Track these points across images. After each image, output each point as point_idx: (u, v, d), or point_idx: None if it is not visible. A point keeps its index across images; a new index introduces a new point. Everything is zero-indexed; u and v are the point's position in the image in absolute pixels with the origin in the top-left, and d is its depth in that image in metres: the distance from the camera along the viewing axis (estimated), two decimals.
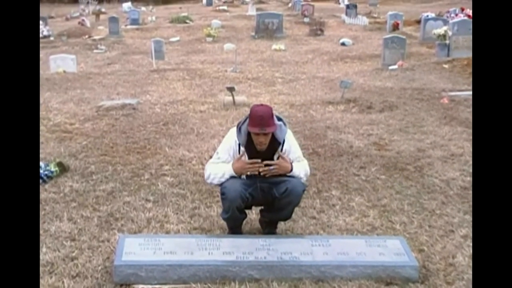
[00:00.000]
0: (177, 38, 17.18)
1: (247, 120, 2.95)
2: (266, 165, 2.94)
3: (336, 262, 2.80)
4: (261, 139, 2.90)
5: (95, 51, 14.77)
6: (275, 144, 2.98)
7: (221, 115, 7.06)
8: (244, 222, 3.36)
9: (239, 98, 7.87)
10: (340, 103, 7.68)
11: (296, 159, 3.07)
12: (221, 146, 3.07)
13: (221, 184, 3.02)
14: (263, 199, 3.08)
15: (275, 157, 3.01)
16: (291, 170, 2.99)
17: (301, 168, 3.06)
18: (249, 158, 2.97)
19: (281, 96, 8.54)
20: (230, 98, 7.76)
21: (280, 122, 3.02)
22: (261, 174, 2.95)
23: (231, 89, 7.72)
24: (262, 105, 2.96)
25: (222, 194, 2.97)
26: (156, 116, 7.01)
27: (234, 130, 3.06)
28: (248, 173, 2.99)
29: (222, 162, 3.01)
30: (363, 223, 3.60)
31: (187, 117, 6.94)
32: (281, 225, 3.45)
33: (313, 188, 4.23)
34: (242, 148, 2.98)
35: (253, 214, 3.63)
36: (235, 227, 3.23)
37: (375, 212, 3.77)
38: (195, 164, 4.87)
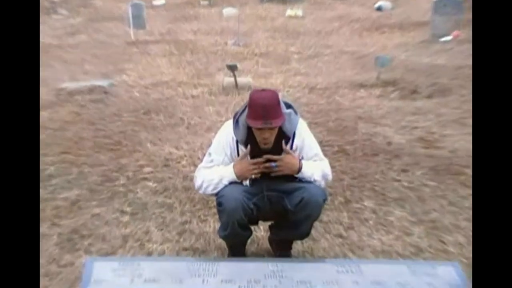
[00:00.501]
0: (162, 1, 17.20)
1: (246, 110, 2.95)
2: (268, 160, 2.94)
3: None
4: (266, 135, 2.88)
5: (54, 16, 14.80)
6: (283, 137, 2.96)
7: (219, 102, 7.06)
8: (249, 241, 3.35)
9: (243, 80, 7.87)
10: (376, 86, 7.66)
11: (312, 158, 3.03)
12: (214, 144, 3.05)
13: (217, 193, 3.01)
14: (272, 212, 3.06)
15: (284, 154, 2.99)
16: (300, 169, 2.96)
17: (315, 168, 2.98)
18: (253, 156, 2.96)
19: (297, 77, 8.53)
20: (232, 79, 7.76)
21: (290, 110, 2.98)
22: (267, 172, 2.95)
23: (232, 68, 7.72)
24: (264, 90, 2.91)
25: (219, 204, 2.95)
26: (134, 102, 7.03)
27: (229, 123, 3.03)
28: (253, 176, 2.98)
29: (217, 165, 3.00)
30: (405, 243, 3.59)
31: (175, 104, 6.95)
32: (297, 245, 3.45)
33: (339, 197, 4.23)
34: (241, 147, 2.98)
35: (261, 231, 3.63)
36: (237, 247, 3.23)
37: (421, 229, 3.76)
38: (185, 165, 4.88)
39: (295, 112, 2.99)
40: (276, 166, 2.93)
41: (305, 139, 3.02)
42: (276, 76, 8.55)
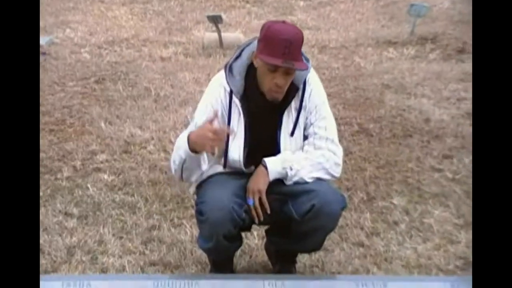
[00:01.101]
0: None
1: (242, 55, 2.94)
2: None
3: None
4: (280, 80, 2.84)
5: None
6: (290, 88, 2.93)
7: (198, 66, 7.04)
8: (239, 252, 3.35)
9: (230, 36, 7.85)
10: (409, 44, 7.65)
11: (315, 134, 3.02)
12: (200, 103, 3.03)
13: (197, 196, 3.00)
14: (271, 220, 3.06)
15: (287, 114, 2.95)
16: (266, 167, 2.94)
17: (297, 160, 2.94)
18: (248, 117, 2.93)
19: (305, 31, 8.42)
20: (215, 35, 7.73)
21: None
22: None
23: (215, 20, 7.69)
24: (285, 22, 2.91)
25: (199, 213, 2.91)
26: (83, 67, 7.00)
27: (219, 75, 3.02)
28: (213, 149, 2.91)
29: None
30: (449, 254, 3.60)
31: (138, 69, 6.92)
32: (303, 257, 3.46)
33: (360, 193, 4.24)
34: (235, 101, 2.93)
35: (255, 238, 3.62)
36: (222, 261, 3.24)
37: (471, 235, 3.76)
38: (152, 151, 4.88)
39: (306, 59, 2.98)
40: (253, 203, 2.91)
41: (319, 103, 2.98)
42: None
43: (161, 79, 6.58)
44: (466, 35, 7.69)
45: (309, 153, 2.97)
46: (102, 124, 5.35)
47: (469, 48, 7.27)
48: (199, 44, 7.88)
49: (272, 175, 2.91)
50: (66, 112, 5.64)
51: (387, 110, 5.65)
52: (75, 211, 3.99)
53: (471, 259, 3.49)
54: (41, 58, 7.10)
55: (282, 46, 2.73)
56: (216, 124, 2.77)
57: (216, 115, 2.83)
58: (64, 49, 7.62)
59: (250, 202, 2.90)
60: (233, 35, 7.89)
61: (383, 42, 7.79)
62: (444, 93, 6.05)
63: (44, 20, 8.86)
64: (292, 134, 2.96)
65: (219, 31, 7.66)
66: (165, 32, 8.54)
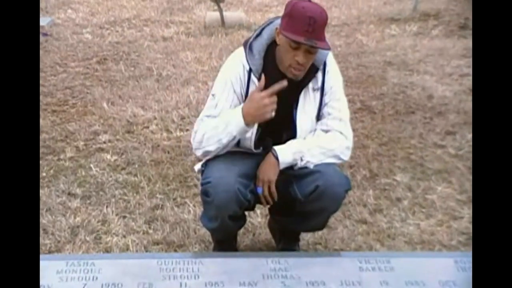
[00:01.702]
0: None
1: (263, 34, 2.92)
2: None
3: None
4: (301, 58, 2.82)
5: None
6: (309, 70, 2.91)
7: (200, 45, 7.02)
8: (242, 230, 3.36)
9: (232, 15, 7.81)
10: (411, 20, 7.62)
11: (330, 117, 3.00)
12: (218, 81, 2.95)
13: (202, 177, 2.99)
14: (275, 200, 3.05)
15: (303, 94, 2.94)
16: (276, 157, 2.92)
17: (308, 147, 2.93)
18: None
19: None
20: (217, 14, 7.69)
21: None
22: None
23: None
24: (310, 1, 2.88)
25: (205, 194, 2.91)
26: (85, 47, 6.98)
27: (238, 52, 2.99)
28: (271, 114, 2.90)
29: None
30: (452, 230, 3.61)
31: (140, 49, 6.90)
32: (307, 235, 3.46)
33: (363, 170, 4.23)
34: (253, 80, 2.90)
35: (258, 217, 3.63)
36: (225, 240, 3.25)
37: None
38: (155, 131, 4.87)
39: None
40: (262, 191, 2.91)
41: (334, 85, 2.98)
42: (277, 9, 8.51)
43: (163, 59, 6.56)
44: (468, 11, 7.67)
45: (321, 137, 2.96)
46: (105, 105, 5.34)
47: (471, 24, 7.24)
48: (200, 24, 7.85)
49: (283, 165, 2.90)
50: (68, 92, 5.63)
51: (390, 87, 5.63)
52: (78, 191, 3.99)
53: (472, 235, 3.52)
54: (43, 39, 7.09)
55: (305, 24, 2.71)
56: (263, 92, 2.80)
57: (261, 84, 2.83)
58: (65, 30, 7.60)
59: (259, 190, 2.91)
60: (235, 14, 7.85)
61: (386, 19, 7.76)
62: (447, 69, 6.03)
63: (45, 1, 8.85)
64: (309, 114, 2.96)
65: (221, 10, 7.62)
66: (167, 12, 8.51)
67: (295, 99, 2.93)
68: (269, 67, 2.89)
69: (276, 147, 2.91)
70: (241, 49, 2.96)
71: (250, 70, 2.89)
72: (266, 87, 2.86)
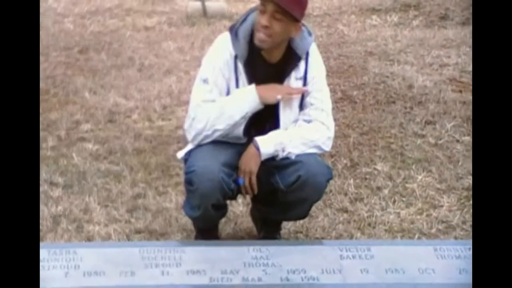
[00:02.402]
0: None
1: (248, 19, 2.91)
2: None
3: (384, 286, 2.80)
4: (264, 20, 2.82)
5: None
6: (292, 58, 2.95)
7: (182, 35, 7.00)
8: (224, 219, 3.35)
9: (213, 4, 7.79)
10: (392, 11, 7.63)
11: (312, 107, 3.01)
12: (207, 65, 2.96)
13: (186, 164, 2.98)
14: (257, 190, 3.05)
15: (287, 83, 2.96)
16: (258, 148, 2.92)
17: (290, 138, 2.94)
18: (255, 81, 2.92)
19: None
20: (198, 4, 7.67)
21: (303, 27, 2.98)
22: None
23: None
24: None
25: (189, 183, 2.91)
26: (67, 36, 6.94)
27: (224, 36, 2.98)
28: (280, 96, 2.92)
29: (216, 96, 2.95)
30: (431, 218, 3.61)
31: (122, 39, 6.87)
32: (288, 224, 3.46)
33: (344, 159, 4.23)
34: (240, 66, 2.89)
35: (239, 205, 3.62)
36: (207, 228, 3.24)
37: (453, 199, 3.79)
38: (137, 120, 4.86)
39: (309, 33, 2.99)
40: (243, 182, 2.92)
41: (317, 76, 3.01)
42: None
43: (145, 49, 6.54)
44: (448, 1, 7.68)
45: (302, 128, 2.98)
46: (86, 94, 5.31)
47: (452, 14, 7.26)
48: (182, 13, 7.81)
49: (264, 156, 2.91)
50: (50, 82, 5.60)
51: (371, 77, 5.63)
52: (60, 180, 3.97)
53: (453, 223, 3.54)
54: None
55: None
56: None
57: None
58: (47, 19, 7.53)
59: (240, 181, 2.92)
60: (216, 4, 7.82)
61: (367, 10, 7.76)
62: (427, 59, 6.03)
63: None
64: (292, 104, 2.98)
65: (202, 0, 7.59)
66: (149, 2, 8.46)
67: (281, 81, 2.96)
68: (253, 53, 2.90)
69: (257, 138, 2.92)
70: (227, 34, 2.96)
71: (236, 56, 2.90)
72: (250, 72, 2.90)
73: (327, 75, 5.50)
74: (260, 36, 2.82)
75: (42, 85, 5.49)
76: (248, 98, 2.88)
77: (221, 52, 2.94)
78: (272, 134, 2.94)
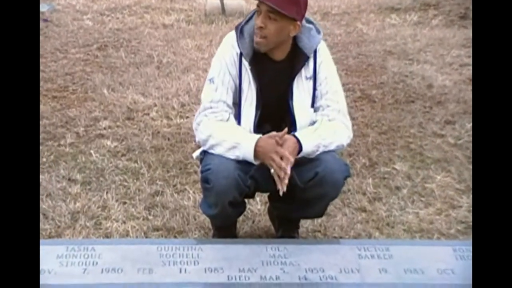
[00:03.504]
0: None
1: (254, 17, 2.92)
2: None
3: (402, 286, 2.79)
4: (259, 21, 2.83)
5: None
6: (299, 57, 2.95)
7: (200, 33, 7.00)
8: (241, 217, 3.35)
9: (232, 2, 7.78)
10: (412, 10, 7.60)
11: (326, 106, 3.00)
12: (215, 65, 3.00)
13: (201, 158, 2.98)
14: (275, 186, 3.04)
15: (297, 83, 2.95)
16: (300, 149, 2.88)
17: (319, 139, 2.91)
18: (258, 82, 2.92)
19: None
20: (217, 1, 7.67)
21: (311, 25, 2.99)
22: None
23: None
24: None
25: (205, 181, 2.91)
26: (85, 34, 6.96)
27: (230, 35, 3.01)
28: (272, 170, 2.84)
29: (223, 102, 2.93)
30: (451, 218, 3.61)
31: (141, 36, 6.89)
32: (306, 222, 3.47)
33: (362, 159, 4.23)
34: (245, 64, 2.91)
35: (257, 204, 3.63)
36: (225, 226, 3.25)
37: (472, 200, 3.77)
38: (155, 118, 4.87)
39: (318, 31, 2.98)
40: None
41: (329, 75, 2.99)
42: None
43: (164, 46, 6.55)
44: (468, 0, 7.64)
45: (328, 129, 2.94)
46: (105, 91, 5.32)
47: (471, 13, 7.23)
48: (201, 11, 7.82)
49: (301, 155, 2.87)
50: (69, 79, 5.62)
51: (390, 76, 5.62)
52: (78, 177, 3.98)
53: (472, 224, 3.52)
54: (43, 24, 7.07)
55: None
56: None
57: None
58: (66, 16, 7.58)
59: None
60: (235, 2, 7.82)
61: (386, 8, 7.74)
62: (447, 59, 6.02)
63: None
64: (304, 104, 2.97)
65: None
66: None
67: (289, 87, 2.95)
68: (259, 51, 2.91)
69: (299, 136, 2.87)
70: (233, 32, 2.98)
71: (241, 54, 2.91)
72: (256, 70, 2.91)
73: (346, 74, 5.60)
74: (255, 38, 2.86)
75: (60, 81, 5.55)
76: (245, 149, 2.84)
77: (227, 51, 2.96)
78: (308, 134, 2.90)
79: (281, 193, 2.82)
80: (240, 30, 2.94)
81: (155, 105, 5.08)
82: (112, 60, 6.11)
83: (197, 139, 3.02)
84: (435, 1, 7.71)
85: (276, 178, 2.82)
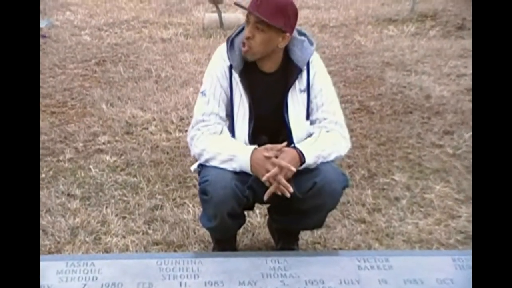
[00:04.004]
0: None
1: (244, 30, 2.94)
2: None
3: None
4: (247, 31, 2.85)
5: None
6: (292, 70, 2.95)
7: (199, 47, 7.02)
8: (241, 230, 3.36)
9: (230, 16, 7.81)
10: (409, 21, 7.63)
11: (323, 118, 3.01)
12: (206, 78, 3.01)
13: (199, 171, 2.99)
14: (274, 198, 3.04)
15: (291, 96, 2.96)
16: (303, 161, 2.88)
17: (319, 150, 2.91)
18: (250, 94, 2.94)
19: (305, 10, 8.49)
20: (215, 15, 7.70)
21: (303, 38, 2.99)
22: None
23: (216, 1, 7.65)
24: None
25: (203, 193, 2.91)
26: (84, 49, 6.98)
27: (221, 47, 3.03)
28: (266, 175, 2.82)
29: (215, 115, 2.94)
30: (450, 228, 3.61)
31: (139, 51, 6.91)
32: (306, 235, 3.47)
33: (361, 170, 4.23)
34: (235, 76, 2.93)
35: (257, 216, 3.64)
36: (225, 239, 3.25)
37: (471, 210, 3.77)
38: (154, 132, 4.88)
39: (311, 43, 2.98)
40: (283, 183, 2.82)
41: (324, 87, 2.99)
42: None
43: (162, 60, 6.57)
44: (465, 11, 7.68)
45: (327, 140, 2.94)
46: (104, 106, 5.34)
47: (469, 24, 7.25)
48: (199, 25, 7.85)
49: (302, 166, 2.87)
50: (67, 94, 5.63)
51: (388, 87, 5.63)
52: (77, 192, 3.99)
53: (472, 233, 3.52)
54: (42, 41, 7.09)
55: None
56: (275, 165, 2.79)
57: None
58: (64, 32, 7.60)
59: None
60: (233, 16, 7.85)
61: (383, 20, 7.77)
62: (444, 69, 6.04)
63: (44, 3, 8.84)
64: (299, 116, 2.97)
65: (219, 12, 7.62)
66: (165, 14, 8.51)
67: (283, 99, 2.95)
68: (250, 63, 2.92)
69: (300, 147, 2.88)
70: (224, 45, 2.99)
71: (231, 66, 2.92)
72: (246, 82, 2.92)
73: (344, 86, 5.62)
74: (242, 48, 2.88)
75: (59, 97, 5.56)
76: (241, 161, 2.85)
77: (218, 63, 2.98)
78: (308, 146, 2.89)
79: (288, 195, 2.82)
80: (230, 42, 2.95)
81: (154, 119, 5.09)
82: (111, 75, 6.12)
83: (192, 154, 3.03)
84: (432, 12, 7.75)
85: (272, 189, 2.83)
